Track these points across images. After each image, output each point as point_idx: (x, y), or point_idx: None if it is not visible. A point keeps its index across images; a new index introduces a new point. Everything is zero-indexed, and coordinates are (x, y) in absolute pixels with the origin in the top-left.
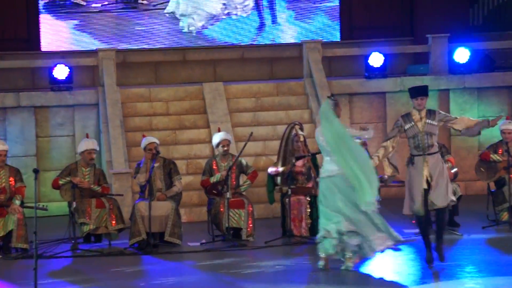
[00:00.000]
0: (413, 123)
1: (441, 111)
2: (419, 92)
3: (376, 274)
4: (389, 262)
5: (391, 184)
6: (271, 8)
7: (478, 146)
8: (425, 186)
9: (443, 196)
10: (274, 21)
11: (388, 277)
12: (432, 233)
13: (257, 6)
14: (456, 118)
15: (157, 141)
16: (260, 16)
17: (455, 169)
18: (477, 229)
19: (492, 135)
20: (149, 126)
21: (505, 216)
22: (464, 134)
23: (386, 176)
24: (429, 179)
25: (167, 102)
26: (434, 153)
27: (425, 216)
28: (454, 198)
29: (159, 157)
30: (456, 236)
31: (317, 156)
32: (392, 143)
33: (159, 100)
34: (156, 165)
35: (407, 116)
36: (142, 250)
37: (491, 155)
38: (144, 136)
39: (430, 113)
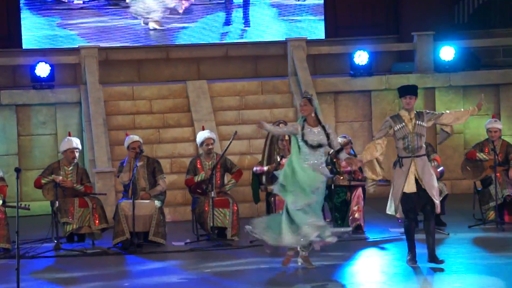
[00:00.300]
0: (403, 123)
1: (428, 111)
2: (407, 91)
3: (362, 273)
4: (375, 262)
5: (378, 184)
6: (245, 7)
7: (464, 144)
8: (414, 190)
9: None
10: (246, 21)
11: (373, 277)
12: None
13: (225, 5)
14: (443, 113)
15: (141, 140)
16: (228, 14)
17: (441, 168)
18: (464, 228)
19: (478, 133)
20: (132, 124)
21: (491, 215)
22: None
23: (371, 185)
24: (419, 181)
25: (151, 101)
26: (422, 155)
27: (414, 218)
28: (439, 210)
29: (143, 156)
30: (442, 235)
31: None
32: (381, 142)
33: (142, 99)
34: (139, 164)
35: (396, 117)
36: (126, 250)
37: (477, 154)
38: (127, 134)
39: (419, 115)
